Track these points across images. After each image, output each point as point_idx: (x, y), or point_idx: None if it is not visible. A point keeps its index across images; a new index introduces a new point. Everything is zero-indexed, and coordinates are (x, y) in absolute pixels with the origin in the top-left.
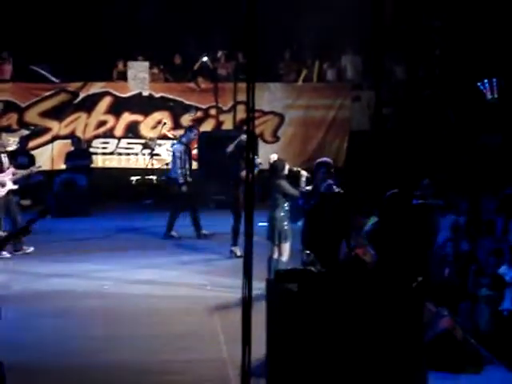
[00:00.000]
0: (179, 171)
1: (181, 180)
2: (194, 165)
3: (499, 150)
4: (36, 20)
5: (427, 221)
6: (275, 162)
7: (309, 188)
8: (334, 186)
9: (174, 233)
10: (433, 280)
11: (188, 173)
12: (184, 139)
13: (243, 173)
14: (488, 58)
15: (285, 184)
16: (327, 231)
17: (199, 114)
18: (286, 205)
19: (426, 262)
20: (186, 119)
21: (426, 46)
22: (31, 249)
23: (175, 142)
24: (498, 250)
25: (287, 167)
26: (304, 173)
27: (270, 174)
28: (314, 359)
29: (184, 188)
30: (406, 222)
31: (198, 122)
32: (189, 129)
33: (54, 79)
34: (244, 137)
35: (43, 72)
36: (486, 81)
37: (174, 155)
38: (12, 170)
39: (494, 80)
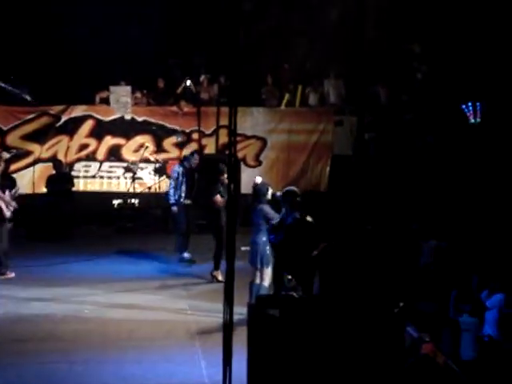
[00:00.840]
0: (171, 191)
1: (172, 200)
2: None
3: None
4: (17, 41)
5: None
6: (258, 185)
7: (276, 221)
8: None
9: (186, 255)
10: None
11: (183, 195)
12: (186, 163)
13: (217, 197)
14: (471, 82)
15: (267, 209)
16: (298, 263)
17: (185, 137)
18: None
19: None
20: (169, 142)
21: (408, 70)
22: (13, 274)
23: (176, 165)
24: (480, 275)
25: (270, 191)
26: None
27: (253, 197)
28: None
29: (174, 208)
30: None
31: (179, 145)
32: (191, 153)
33: (28, 98)
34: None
35: (17, 91)
36: (469, 104)
37: (172, 176)
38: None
39: (478, 104)
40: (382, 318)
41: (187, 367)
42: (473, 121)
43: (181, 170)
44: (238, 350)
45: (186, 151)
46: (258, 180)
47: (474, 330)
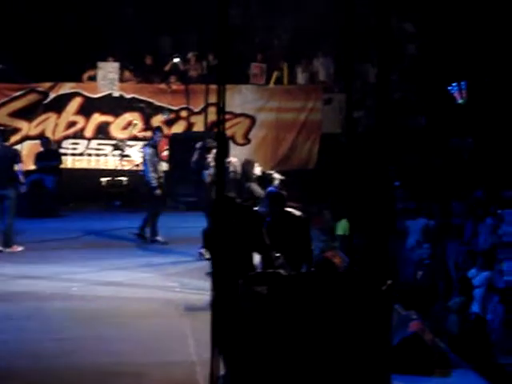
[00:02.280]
0: (151, 174)
1: (154, 183)
2: (165, 166)
3: (470, 154)
4: (5, 18)
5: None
6: (246, 161)
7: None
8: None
9: (159, 238)
10: (404, 283)
11: (161, 175)
12: (152, 141)
13: (207, 172)
14: (457, 62)
15: (254, 186)
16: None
17: (171, 115)
18: (258, 207)
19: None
20: (158, 120)
21: (398, 48)
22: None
23: (144, 145)
24: (468, 253)
25: (258, 169)
26: (277, 175)
27: (241, 176)
28: (282, 361)
29: (157, 191)
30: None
31: (168, 123)
32: (154, 131)
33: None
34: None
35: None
36: (455, 84)
37: (144, 159)
38: None
39: (463, 83)
40: (370, 295)
41: (176, 345)
42: (460, 101)
43: (151, 150)
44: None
45: (175, 129)
46: (234, 160)
47: (462, 310)
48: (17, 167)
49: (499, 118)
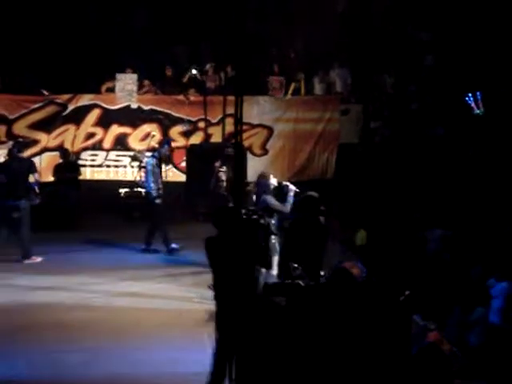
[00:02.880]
0: (152, 185)
1: (154, 194)
2: (183, 177)
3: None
4: (24, 31)
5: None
6: (259, 175)
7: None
8: None
9: (174, 245)
10: (422, 293)
11: (161, 186)
12: (157, 153)
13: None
14: (474, 72)
15: (270, 199)
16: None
17: (190, 126)
18: (272, 219)
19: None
20: (176, 131)
21: (415, 58)
22: (39, 259)
23: (148, 155)
24: (486, 263)
25: (273, 180)
26: (292, 187)
27: (257, 188)
28: (302, 372)
29: (158, 201)
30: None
31: (186, 134)
32: (162, 143)
33: (43, 91)
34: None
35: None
36: (470, 95)
37: (146, 169)
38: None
39: (478, 94)
40: (388, 306)
41: (195, 355)
42: (477, 111)
43: (154, 161)
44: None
45: (193, 140)
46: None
47: (481, 319)
48: (32, 178)
49: None
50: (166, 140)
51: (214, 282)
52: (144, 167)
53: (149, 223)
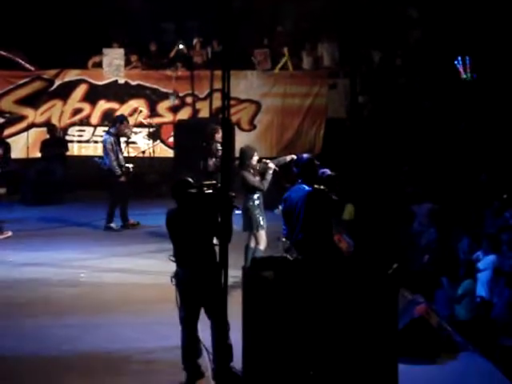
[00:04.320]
0: (114, 163)
1: (118, 171)
2: (170, 153)
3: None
4: (10, 5)
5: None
6: (242, 149)
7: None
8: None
9: (113, 225)
10: (410, 267)
11: (123, 163)
12: (112, 130)
13: (210, 162)
14: (462, 37)
15: (247, 175)
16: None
17: (176, 101)
18: (255, 194)
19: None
20: (163, 106)
21: (402, 33)
22: (10, 233)
23: (104, 134)
24: (473, 236)
25: (255, 157)
26: (272, 165)
27: (239, 162)
28: (289, 346)
29: (122, 178)
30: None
31: (173, 110)
32: (118, 120)
33: (28, 66)
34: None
35: (18, 60)
36: (459, 58)
37: (105, 147)
38: None
39: (467, 58)
40: (375, 279)
41: None
42: (464, 76)
43: (112, 139)
44: (233, 313)
45: (180, 115)
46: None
47: (469, 292)
48: None
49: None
50: (119, 117)
51: (174, 253)
52: (128, 143)
53: (110, 200)
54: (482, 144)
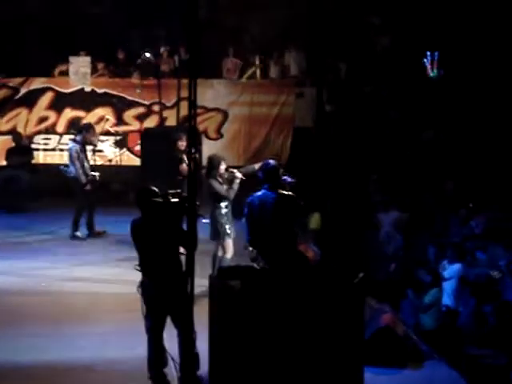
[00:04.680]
0: (80, 171)
1: (83, 180)
2: (137, 161)
3: (435, 145)
4: None
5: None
6: (210, 157)
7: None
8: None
9: (79, 233)
10: (376, 276)
11: (89, 171)
12: (78, 138)
13: (182, 166)
14: (429, 33)
15: (214, 184)
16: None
17: (143, 109)
18: (222, 203)
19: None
20: (129, 115)
21: (368, 43)
22: None
23: (70, 142)
24: (439, 246)
25: (223, 166)
26: (238, 175)
27: (206, 171)
28: (255, 355)
29: (88, 187)
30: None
31: (140, 118)
32: (84, 128)
33: None
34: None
35: None
36: (428, 54)
37: (70, 156)
38: None
39: (436, 54)
40: (341, 288)
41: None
42: (431, 74)
43: (78, 147)
44: (200, 322)
45: (147, 123)
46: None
47: (435, 302)
48: None
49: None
50: (85, 125)
51: (139, 262)
52: (95, 151)
53: (75, 208)
54: (449, 152)
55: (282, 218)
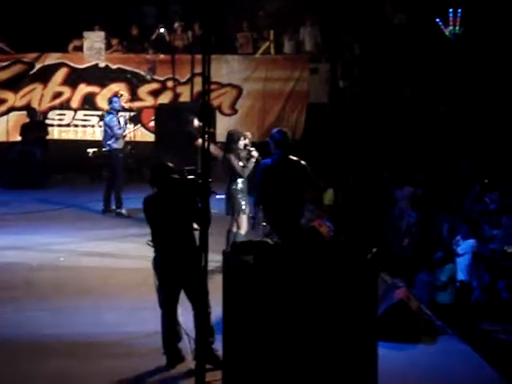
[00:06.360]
0: (120, 141)
1: (120, 154)
2: (151, 137)
3: (456, 122)
4: None
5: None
6: (229, 132)
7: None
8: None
9: (123, 211)
10: (390, 251)
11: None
12: (117, 105)
13: (198, 141)
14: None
15: (233, 160)
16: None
17: (157, 85)
18: (239, 179)
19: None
20: (145, 90)
21: (383, 18)
22: None
23: (106, 114)
24: (453, 222)
25: (243, 142)
26: (255, 153)
27: (225, 145)
28: (268, 330)
29: (121, 155)
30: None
31: (154, 94)
32: (111, 98)
33: (8, 49)
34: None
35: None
36: (451, 10)
37: (111, 128)
38: None
39: (459, 11)
40: (355, 264)
41: None
42: (447, 33)
43: (116, 118)
44: (213, 297)
45: (161, 99)
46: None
47: (449, 276)
48: None
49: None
50: (114, 93)
51: (152, 238)
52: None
53: (113, 185)
54: (464, 128)
55: (293, 182)
